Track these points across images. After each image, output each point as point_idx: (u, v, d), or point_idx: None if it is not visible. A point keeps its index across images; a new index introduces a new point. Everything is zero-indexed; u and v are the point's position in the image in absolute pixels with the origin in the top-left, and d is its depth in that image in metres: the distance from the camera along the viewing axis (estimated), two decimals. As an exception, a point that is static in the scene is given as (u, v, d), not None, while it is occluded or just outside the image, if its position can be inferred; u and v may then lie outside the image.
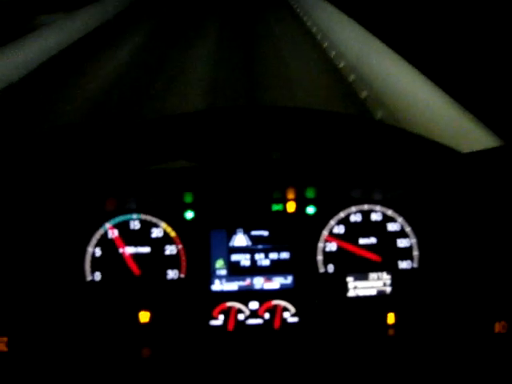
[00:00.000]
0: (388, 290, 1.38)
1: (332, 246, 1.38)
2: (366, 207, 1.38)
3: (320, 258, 1.37)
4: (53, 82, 7.23)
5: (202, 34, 9.98)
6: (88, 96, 6.52)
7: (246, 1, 13.50)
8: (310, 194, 1.36)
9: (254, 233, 1.37)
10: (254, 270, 1.37)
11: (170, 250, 1.37)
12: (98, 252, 1.36)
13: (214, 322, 1.34)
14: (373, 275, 1.38)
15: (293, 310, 1.36)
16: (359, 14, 7.19)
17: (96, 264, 1.36)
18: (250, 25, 10.65)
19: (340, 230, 1.38)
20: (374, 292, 1.38)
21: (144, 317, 1.34)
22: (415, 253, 1.38)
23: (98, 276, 1.36)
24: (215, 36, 9.80)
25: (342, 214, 1.38)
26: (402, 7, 7.72)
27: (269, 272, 1.37)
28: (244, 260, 1.37)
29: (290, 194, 1.36)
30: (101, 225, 1.36)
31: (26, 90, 6.77)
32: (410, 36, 5.95)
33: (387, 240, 1.38)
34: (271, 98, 5.99)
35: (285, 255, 1.37)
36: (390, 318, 1.35)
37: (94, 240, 1.36)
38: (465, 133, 3.18)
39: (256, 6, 12.78)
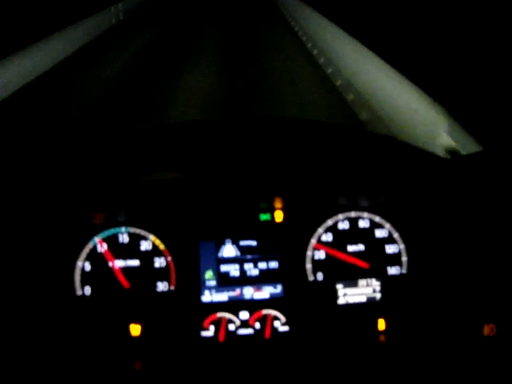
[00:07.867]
0: (378, 296, 1.39)
1: (320, 254, 1.38)
2: (353, 214, 1.39)
3: (309, 266, 1.37)
4: (48, 91, 7.30)
5: (199, 47, 10.19)
6: (84, 106, 6.57)
7: (243, 14, 13.90)
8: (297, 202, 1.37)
9: (242, 243, 1.37)
10: (244, 280, 1.37)
11: (160, 262, 1.37)
12: (88, 266, 1.36)
13: (204, 333, 1.35)
14: (362, 282, 1.38)
15: (283, 318, 1.36)
16: (349, 24, 7.28)
17: (86, 278, 1.36)
18: (248, 37, 10.99)
19: (328, 237, 1.38)
20: (363, 299, 1.39)
21: (135, 330, 1.34)
22: (404, 258, 1.39)
23: (87, 290, 1.36)
24: (211, 50, 9.99)
25: (329, 222, 1.38)
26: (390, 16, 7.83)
27: (258, 282, 1.37)
28: (233, 270, 1.38)
29: (278, 204, 1.37)
30: (90, 239, 1.36)
31: (24, 99, 6.80)
32: (395, 40, 6.03)
33: (375, 246, 1.39)
34: (263, 108, 6.10)
35: (274, 264, 1.38)
36: (381, 324, 1.36)
37: (84, 254, 1.36)
38: (445, 136, 3.24)
39: (253, 20, 13.09)
